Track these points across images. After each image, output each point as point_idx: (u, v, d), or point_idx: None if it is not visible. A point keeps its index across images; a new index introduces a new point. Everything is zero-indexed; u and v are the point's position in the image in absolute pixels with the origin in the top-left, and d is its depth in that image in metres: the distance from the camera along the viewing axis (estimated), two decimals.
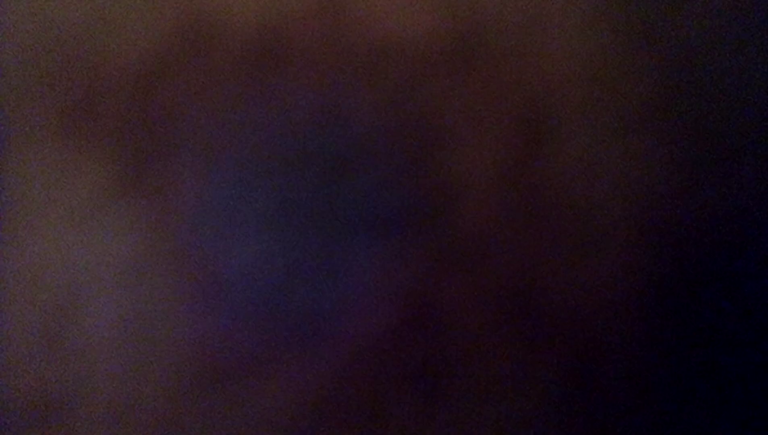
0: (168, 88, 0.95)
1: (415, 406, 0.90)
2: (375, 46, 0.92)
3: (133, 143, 0.95)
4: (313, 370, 0.90)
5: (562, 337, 0.90)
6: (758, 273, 0.90)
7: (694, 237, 0.90)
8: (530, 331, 0.90)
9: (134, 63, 0.96)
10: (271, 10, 0.94)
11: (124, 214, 0.94)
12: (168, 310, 0.92)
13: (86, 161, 0.97)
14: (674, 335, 0.90)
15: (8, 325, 0.95)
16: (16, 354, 0.94)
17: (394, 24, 0.92)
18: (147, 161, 0.94)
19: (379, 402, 0.89)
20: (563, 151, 0.91)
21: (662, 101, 0.91)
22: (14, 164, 0.97)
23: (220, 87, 0.94)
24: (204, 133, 0.93)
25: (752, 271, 0.90)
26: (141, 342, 0.92)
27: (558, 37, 0.91)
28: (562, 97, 0.91)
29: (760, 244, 0.90)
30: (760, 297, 0.90)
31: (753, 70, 0.91)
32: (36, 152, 0.98)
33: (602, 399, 0.90)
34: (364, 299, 0.90)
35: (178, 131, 0.94)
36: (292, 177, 0.91)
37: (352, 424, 0.89)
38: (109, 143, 0.96)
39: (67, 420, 0.94)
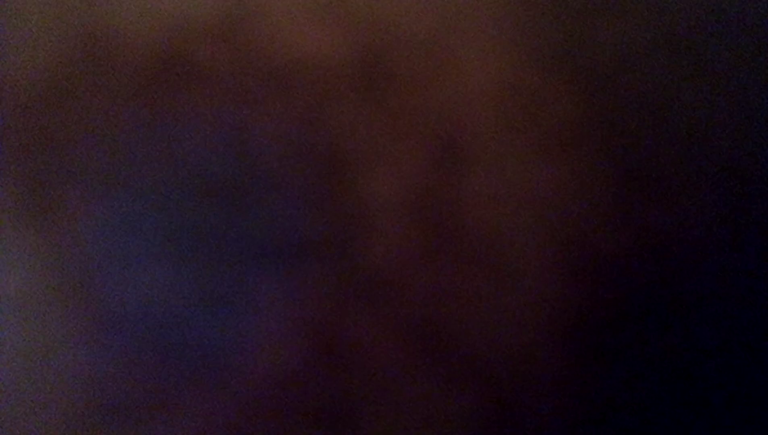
0: (65, 111, 0.90)
1: None
2: (279, 67, 0.88)
3: (27, 168, 0.90)
4: (214, 407, 0.85)
5: (478, 372, 0.86)
6: (688, 299, 0.87)
7: (614, 265, 0.87)
8: (444, 366, 0.86)
9: (30, 83, 0.91)
10: (173, 29, 0.89)
11: (15, 244, 0.89)
12: (64, 343, 0.87)
13: None
14: (596, 366, 0.86)
15: None
16: None
17: (298, 43, 0.88)
18: (40, 188, 0.90)
19: None
20: (477, 176, 0.87)
21: (580, 124, 0.87)
22: None
23: (121, 109, 0.89)
24: (103, 158, 0.89)
25: (681, 298, 0.87)
26: (34, 378, 0.87)
27: (470, 57, 0.87)
28: (475, 120, 0.87)
29: (681, 270, 0.87)
30: (684, 318, 0.87)
31: (670, 95, 0.88)
32: None
33: (522, 433, 0.86)
34: (269, 332, 0.85)
35: (75, 156, 0.89)
36: (193, 204, 0.87)
37: None
38: (5, 169, 0.91)
39: None
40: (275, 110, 0.88)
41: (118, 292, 0.87)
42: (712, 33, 0.90)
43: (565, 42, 0.88)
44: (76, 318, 0.87)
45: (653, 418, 0.86)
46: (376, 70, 0.88)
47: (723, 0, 0.90)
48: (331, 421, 0.85)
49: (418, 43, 0.88)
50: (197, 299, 0.86)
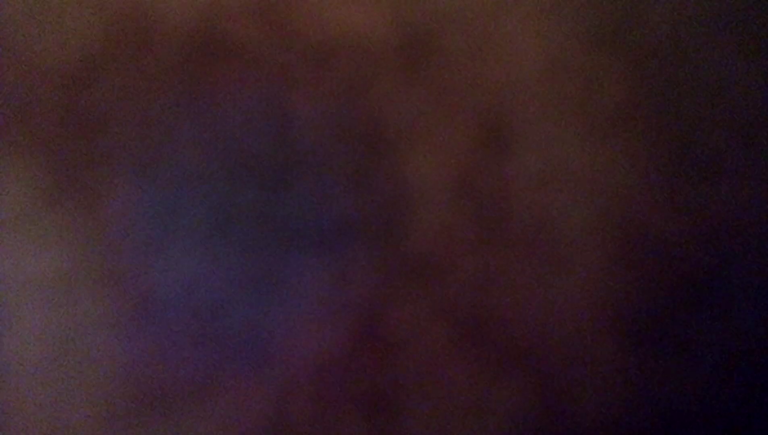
0: (102, 91, 0.88)
1: (364, 428, 0.83)
2: (320, 44, 0.85)
3: (65, 150, 0.88)
4: (254, 393, 0.83)
5: (525, 357, 0.84)
6: (737, 283, 0.84)
7: (666, 250, 0.84)
8: (490, 351, 0.84)
9: (67, 65, 0.89)
10: (210, 7, 0.87)
11: (53, 225, 0.87)
12: (98, 328, 0.85)
13: (16, 170, 0.90)
14: (645, 353, 0.84)
15: None
16: None
17: (341, 19, 0.86)
18: (78, 169, 0.88)
19: (324, 428, 0.83)
20: (525, 157, 0.85)
21: (629, 106, 0.85)
22: None
23: (156, 90, 0.87)
24: (139, 139, 0.87)
25: (730, 283, 0.84)
26: (70, 362, 0.85)
27: (517, 36, 0.85)
28: (522, 100, 0.85)
29: (736, 253, 0.84)
30: (738, 308, 0.84)
31: (725, 75, 0.85)
32: None
33: (568, 429, 0.84)
34: (310, 316, 0.83)
35: (111, 137, 0.87)
36: (232, 186, 0.85)
37: None
38: (41, 150, 0.89)
39: None
40: (316, 89, 0.85)
41: (154, 276, 0.85)
42: (764, 9, 0.87)
43: (617, 20, 0.85)
44: (113, 301, 0.85)
45: (702, 405, 0.83)
46: (419, 48, 0.85)
47: None
48: (372, 406, 0.83)
49: (464, 19, 0.85)
50: (237, 283, 0.84)
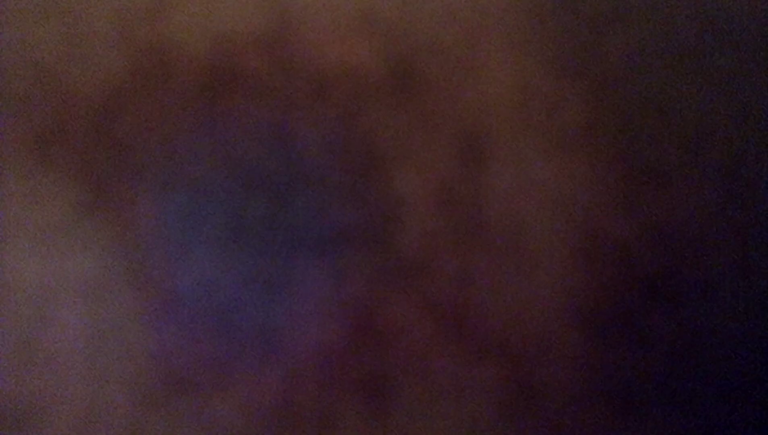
0: (128, 116, 1.00)
1: (363, 413, 0.95)
2: (319, 74, 0.98)
3: (99, 168, 1.01)
4: (265, 380, 0.95)
5: (501, 347, 0.96)
6: (687, 281, 0.96)
7: (623, 253, 0.96)
8: (470, 342, 0.96)
9: (99, 93, 1.01)
10: (224, 42, 0.99)
11: (88, 234, 1.00)
12: (129, 322, 0.98)
13: (56, 184, 1.02)
14: (607, 343, 0.95)
15: None
16: None
17: (337, 53, 0.98)
18: (110, 184, 1.00)
19: (328, 410, 0.95)
20: (498, 171, 0.96)
21: (589, 124, 0.96)
22: None
23: (176, 115, 0.99)
24: (161, 158, 0.99)
25: (681, 280, 0.96)
26: (106, 352, 0.98)
27: (491, 64, 0.96)
28: (496, 121, 0.96)
29: (686, 254, 0.96)
30: (688, 303, 0.95)
31: (674, 96, 0.96)
32: (13, 175, 1.03)
33: (539, 407, 0.95)
34: (313, 314, 0.95)
35: (137, 156, 0.99)
36: (244, 199, 0.97)
37: (302, 430, 0.95)
38: (77, 167, 1.01)
39: (40, 425, 0.99)
40: (316, 113, 0.97)
41: (178, 277, 0.97)
42: (712, 40, 0.98)
43: (578, 49, 0.97)
44: (142, 299, 0.97)
45: (656, 388, 0.95)
46: (406, 77, 0.97)
47: (721, 9, 0.99)
48: (369, 390, 0.95)
49: (445, 52, 0.97)
50: (248, 283, 0.96)
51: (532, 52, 0.97)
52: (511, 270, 0.95)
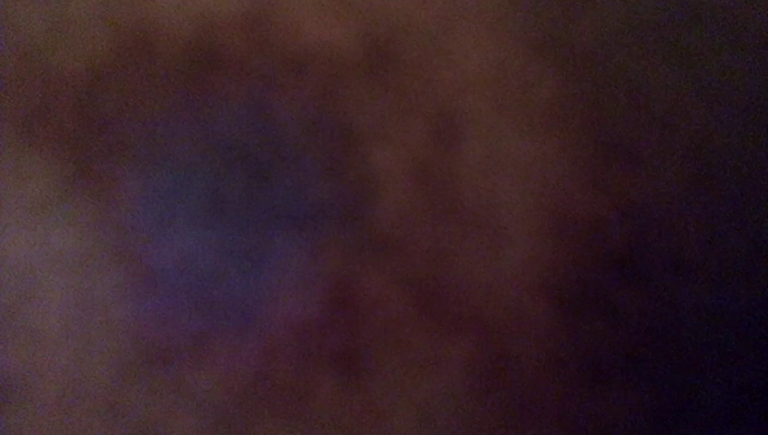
0: (110, 95, 1.02)
1: (338, 385, 0.98)
2: (298, 54, 1.00)
3: (81, 145, 1.03)
4: (242, 353, 0.98)
5: (475, 321, 0.98)
6: (654, 256, 0.98)
7: (593, 228, 0.98)
8: (445, 317, 0.98)
9: (82, 73, 1.03)
10: (203, 23, 1.01)
11: (71, 210, 1.02)
12: (111, 296, 1.00)
13: (40, 162, 1.04)
14: (579, 315, 0.98)
15: None
16: None
17: (315, 33, 1.00)
18: (92, 161, 1.02)
19: (304, 381, 0.98)
20: (473, 149, 0.99)
21: (561, 104, 0.99)
22: None
23: (158, 94, 1.01)
24: (144, 135, 1.01)
25: (648, 255, 0.98)
26: (88, 326, 1.00)
27: (465, 43, 0.99)
28: (470, 100, 0.99)
29: (653, 230, 0.98)
30: (655, 277, 0.98)
31: (644, 76, 0.99)
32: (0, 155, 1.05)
33: (512, 378, 0.98)
34: (290, 288, 0.98)
35: (120, 134, 1.01)
36: (224, 175, 0.99)
37: (280, 401, 0.98)
38: (60, 145, 1.03)
39: (22, 398, 1.01)
40: (293, 92, 1.00)
41: (159, 252, 0.99)
42: (681, 19, 1.01)
43: (550, 29, 0.99)
44: (123, 273, 0.99)
45: (624, 360, 0.97)
46: (381, 57, 0.99)
47: None
48: (345, 364, 0.97)
49: (420, 31, 0.99)
50: (227, 258, 0.98)
51: (506, 32, 0.99)
52: (484, 245, 0.98)
